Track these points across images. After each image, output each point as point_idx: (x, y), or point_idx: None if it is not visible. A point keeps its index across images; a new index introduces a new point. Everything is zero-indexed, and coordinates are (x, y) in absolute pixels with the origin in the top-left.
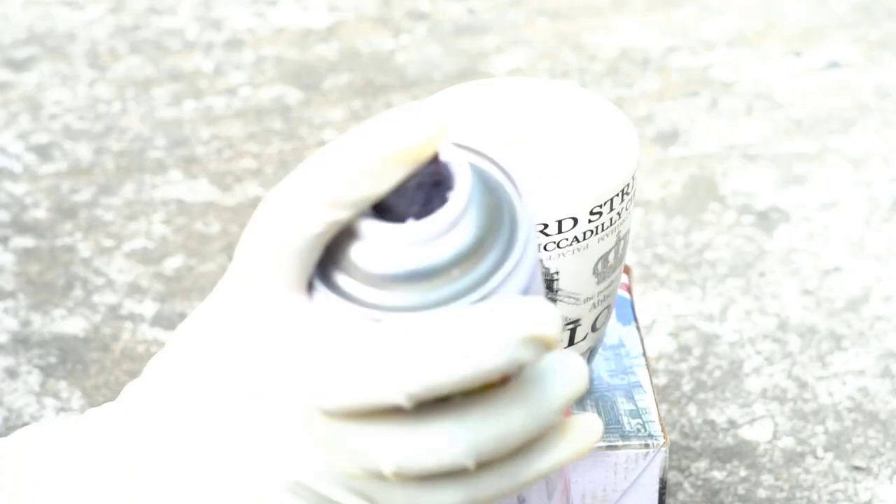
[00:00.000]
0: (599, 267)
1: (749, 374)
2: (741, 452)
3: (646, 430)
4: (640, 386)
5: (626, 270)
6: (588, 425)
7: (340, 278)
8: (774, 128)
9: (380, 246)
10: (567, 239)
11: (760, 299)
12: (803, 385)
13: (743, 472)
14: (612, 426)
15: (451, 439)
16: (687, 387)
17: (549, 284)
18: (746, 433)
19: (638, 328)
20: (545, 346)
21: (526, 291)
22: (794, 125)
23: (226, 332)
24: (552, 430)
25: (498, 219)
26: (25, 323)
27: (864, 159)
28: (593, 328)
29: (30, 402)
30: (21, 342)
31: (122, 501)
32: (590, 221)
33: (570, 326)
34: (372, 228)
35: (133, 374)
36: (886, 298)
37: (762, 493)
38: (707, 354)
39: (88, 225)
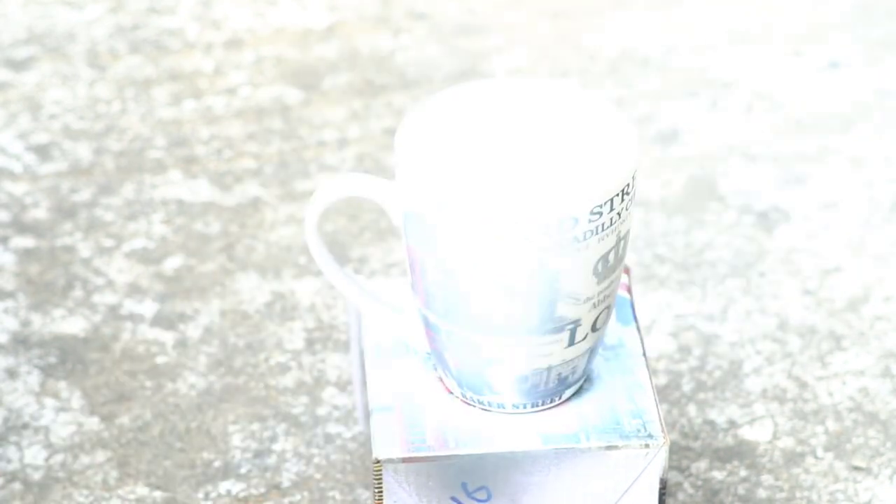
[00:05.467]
0: (599, 267)
1: (749, 374)
2: (741, 452)
3: (646, 430)
4: (640, 386)
5: (626, 270)
6: None
7: None
8: (774, 128)
9: None
10: (567, 239)
11: (760, 299)
12: (803, 385)
13: (743, 473)
14: (612, 426)
15: None
16: (687, 387)
17: (550, 284)
18: (746, 433)
19: (638, 328)
20: None
21: None
22: (795, 125)
23: None
24: None
25: None
26: (25, 323)
27: (864, 159)
28: (593, 328)
29: (30, 402)
30: (21, 342)
31: None
32: (590, 221)
33: (571, 326)
34: None
35: (133, 374)
36: (887, 298)
37: (762, 494)
38: (707, 354)
39: (88, 225)
